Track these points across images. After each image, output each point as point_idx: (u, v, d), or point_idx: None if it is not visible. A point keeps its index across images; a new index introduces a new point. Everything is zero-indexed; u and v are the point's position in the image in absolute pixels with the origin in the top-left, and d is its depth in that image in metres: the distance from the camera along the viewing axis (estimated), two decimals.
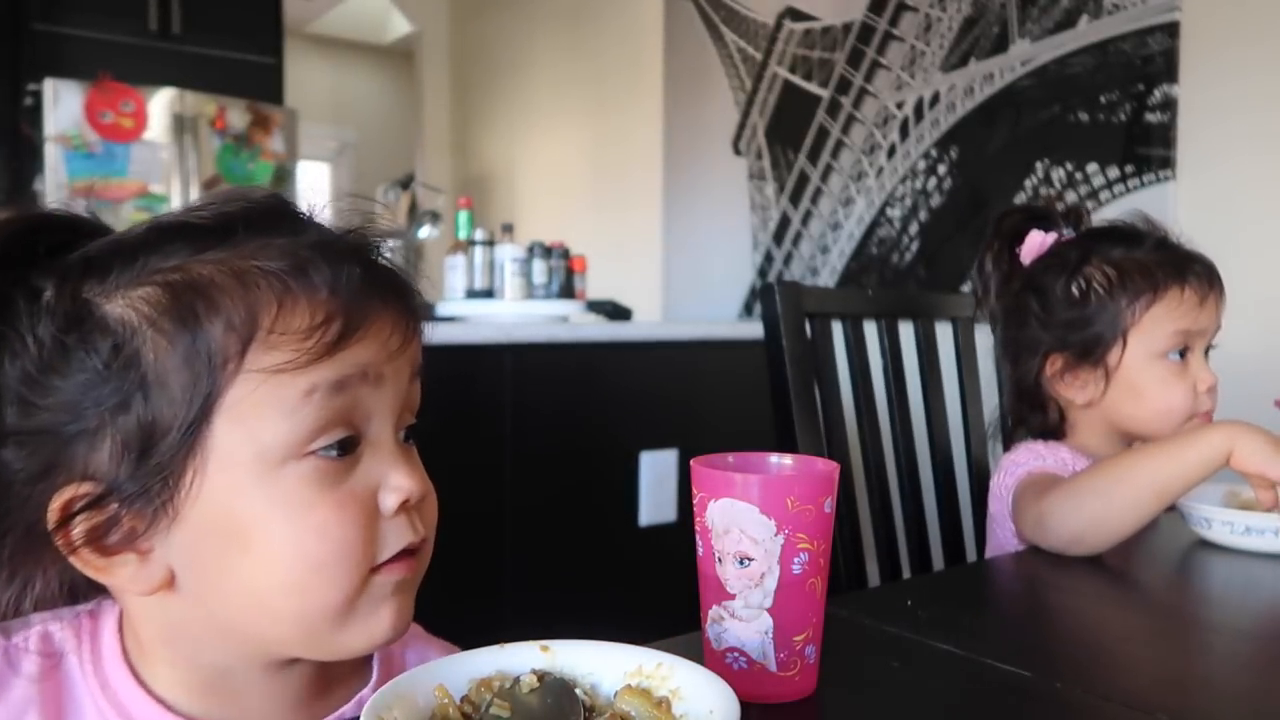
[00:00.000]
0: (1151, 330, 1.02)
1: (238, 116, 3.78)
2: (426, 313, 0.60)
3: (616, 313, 2.74)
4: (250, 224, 0.51)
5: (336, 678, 0.58)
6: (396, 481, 0.51)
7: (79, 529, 0.48)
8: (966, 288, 1.80)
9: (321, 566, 0.48)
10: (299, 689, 0.55)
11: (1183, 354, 1.03)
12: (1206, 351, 1.06)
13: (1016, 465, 1.01)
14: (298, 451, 0.48)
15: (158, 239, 0.50)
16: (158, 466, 0.47)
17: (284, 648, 0.52)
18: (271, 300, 0.48)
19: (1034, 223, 1.11)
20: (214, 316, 0.47)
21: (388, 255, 0.55)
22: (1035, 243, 1.09)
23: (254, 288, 0.48)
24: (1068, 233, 1.10)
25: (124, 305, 0.48)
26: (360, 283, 0.50)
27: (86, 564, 0.49)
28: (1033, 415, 1.10)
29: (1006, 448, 1.12)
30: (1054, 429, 1.09)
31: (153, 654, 0.53)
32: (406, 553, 0.52)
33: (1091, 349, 1.04)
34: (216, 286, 0.48)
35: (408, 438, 0.55)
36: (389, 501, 0.50)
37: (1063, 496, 0.88)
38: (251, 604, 0.49)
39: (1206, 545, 0.92)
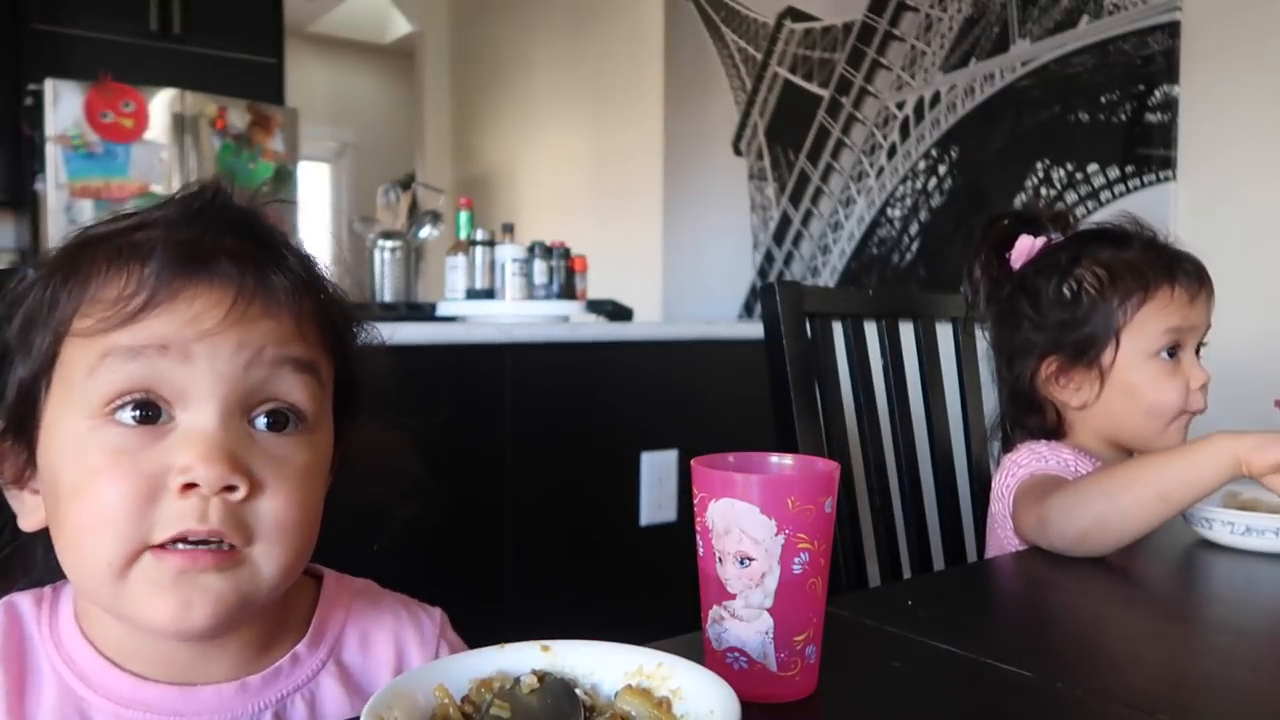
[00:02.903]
0: (1143, 329, 1.03)
1: (238, 116, 3.78)
2: (334, 308, 0.58)
3: (617, 313, 2.74)
4: (161, 204, 0.55)
5: (279, 635, 0.59)
6: (186, 462, 0.49)
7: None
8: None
9: (89, 529, 0.50)
10: (236, 649, 0.56)
11: (1174, 353, 1.04)
12: (1198, 349, 1.06)
13: (1018, 466, 1.01)
14: (96, 411, 0.50)
15: (102, 220, 0.56)
16: (21, 414, 0.54)
17: (98, 605, 0.54)
18: (102, 269, 0.52)
19: (1022, 227, 1.11)
20: (67, 281, 0.52)
21: (279, 240, 0.56)
22: (1024, 247, 1.10)
23: (96, 258, 0.52)
24: (1055, 237, 1.10)
25: (36, 271, 0.54)
26: (178, 256, 0.51)
27: (10, 498, 0.57)
28: (1029, 418, 1.10)
29: (1005, 449, 1.12)
30: (1052, 430, 1.09)
31: (92, 612, 0.56)
32: (204, 545, 0.50)
33: (1085, 350, 1.04)
34: (78, 255, 0.53)
35: (272, 426, 0.53)
36: (173, 481, 0.49)
37: (1068, 496, 0.88)
38: (64, 557, 0.53)
39: (1206, 545, 0.92)
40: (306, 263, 0.57)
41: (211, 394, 0.51)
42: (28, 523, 0.56)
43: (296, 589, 0.59)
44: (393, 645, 0.63)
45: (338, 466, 0.60)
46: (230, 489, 0.50)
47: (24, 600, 0.58)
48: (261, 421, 0.53)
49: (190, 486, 0.49)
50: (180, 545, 0.50)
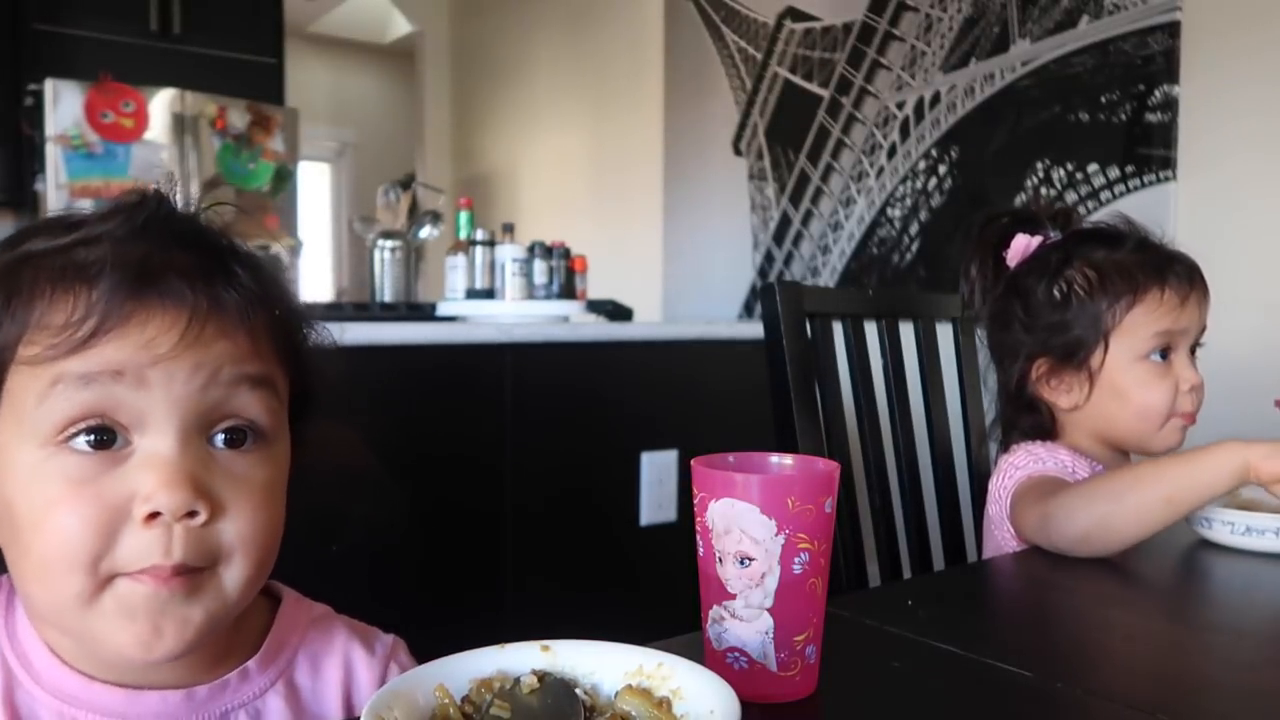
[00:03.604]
0: (1132, 332, 1.02)
1: (238, 117, 3.78)
2: (286, 316, 0.57)
3: (617, 313, 2.74)
4: (103, 216, 0.53)
5: (232, 648, 0.59)
6: (148, 490, 0.48)
7: None
8: None
9: (52, 561, 0.49)
10: (187, 660, 0.55)
11: (1166, 354, 1.03)
12: (1193, 351, 1.06)
13: (1015, 468, 1.01)
14: (49, 439, 0.49)
15: (38, 228, 0.54)
16: None
17: (62, 630, 0.54)
18: (46, 291, 0.50)
19: (1019, 226, 1.11)
20: (10, 303, 0.50)
21: (228, 256, 0.54)
22: (1020, 246, 1.09)
23: (38, 278, 0.50)
24: (1054, 235, 1.10)
25: None
26: (128, 278, 0.49)
27: None
28: (1022, 418, 1.10)
29: (1002, 449, 1.11)
30: (1046, 431, 1.09)
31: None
32: (177, 570, 0.49)
33: (1074, 352, 1.04)
34: (17, 272, 0.51)
35: (231, 443, 0.52)
36: (137, 510, 0.49)
37: (1072, 497, 0.88)
38: (24, 585, 0.52)
39: (1206, 545, 0.92)
40: (257, 272, 0.55)
41: (169, 418, 0.50)
42: None
43: (251, 606, 0.58)
44: (342, 667, 0.62)
45: (294, 473, 0.59)
46: (192, 514, 0.49)
47: None
48: (220, 439, 0.52)
49: (154, 515, 0.49)
50: (144, 576, 0.49)
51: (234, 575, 0.52)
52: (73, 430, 0.49)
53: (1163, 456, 0.90)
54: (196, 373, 0.50)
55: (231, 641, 0.59)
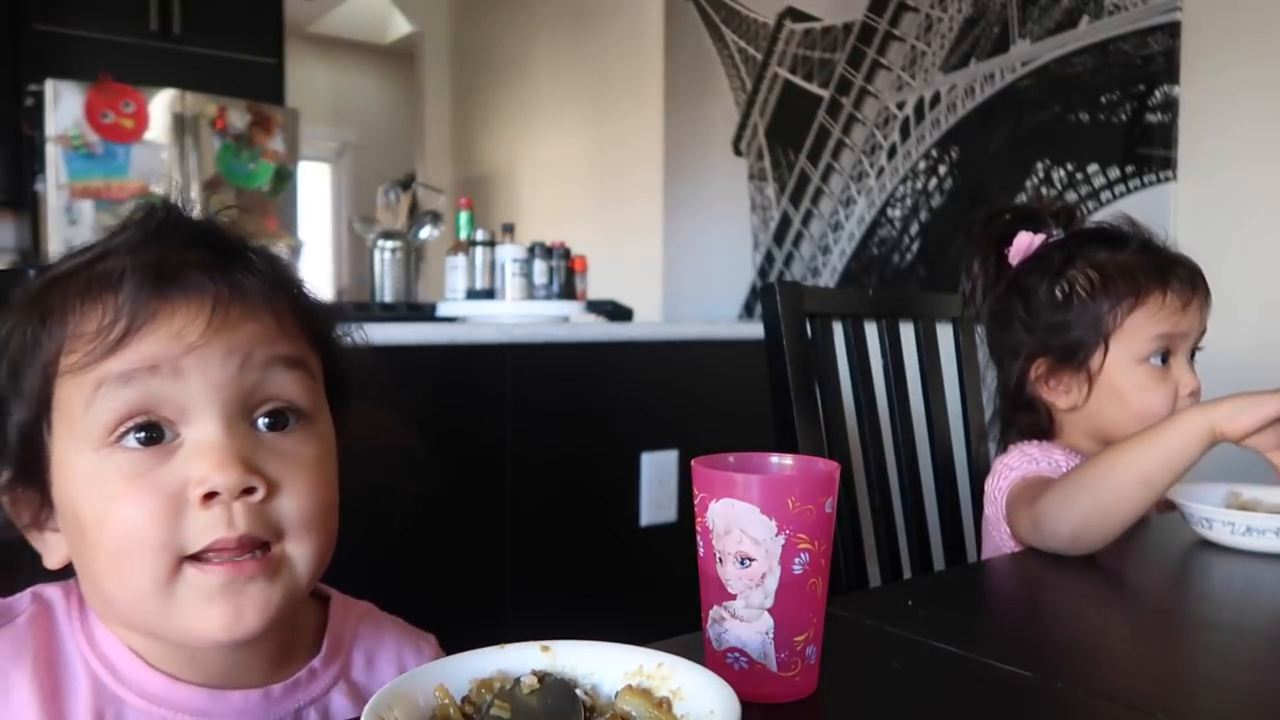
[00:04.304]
0: (1133, 334, 1.02)
1: (238, 117, 3.79)
2: (309, 302, 0.59)
3: (617, 313, 2.74)
4: (115, 231, 0.55)
5: (295, 645, 0.60)
6: (202, 473, 0.50)
7: (12, 509, 0.56)
8: None
9: (123, 553, 0.51)
10: (263, 655, 0.58)
11: (1166, 358, 1.03)
12: (1192, 354, 1.05)
13: (1009, 469, 1.01)
14: (102, 442, 0.51)
15: (58, 261, 0.56)
16: (27, 458, 0.54)
17: (142, 628, 0.54)
18: (76, 304, 0.52)
19: (1022, 223, 1.10)
20: (45, 322, 0.53)
21: (228, 245, 0.56)
22: (1023, 244, 1.09)
23: (67, 294, 0.53)
24: (1057, 233, 1.09)
25: (13, 318, 0.55)
26: (149, 278, 0.51)
27: (32, 540, 0.57)
28: (1020, 417, 1.10)
29: (1000, 449, 1.11)
30: (1043, 430, 1.09)
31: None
32: (240, 548, 0.51)
33: (1073, 353, 1.04)
34: (47, 295, 0.53)
35: (274, 425, 0.54)
36: (193, 494, 0.50)
37: (1054, 498, 0.88)
38: (99, 585, 0.53)
39: (1206, 545, 0.92)
40: (273, 262, 0.57)
41: (210, 404, 0.52)
42: (51, 561, 0.57)
43: (304, 607, 0.61)
44: (396, 666, 0.64)
45: (340, 457, 0.60)
46: (249, 491, 0.51)
47: (53, 591, 0.58)
48: (263, 423, 0.54)
49: (211, 496, 0.50)
50: (216, 559, 0.51)
51: (300, 551, 0.53)
52: (122, 430, 0.51)
53: (1130, 437, 0.88)
54: (230, 357, 0.52)
55: (294, 639, 0.60)
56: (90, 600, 0.56)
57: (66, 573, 0.57)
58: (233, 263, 0.54)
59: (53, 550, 0.56)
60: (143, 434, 0.51)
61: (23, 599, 0.58)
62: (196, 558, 0.51)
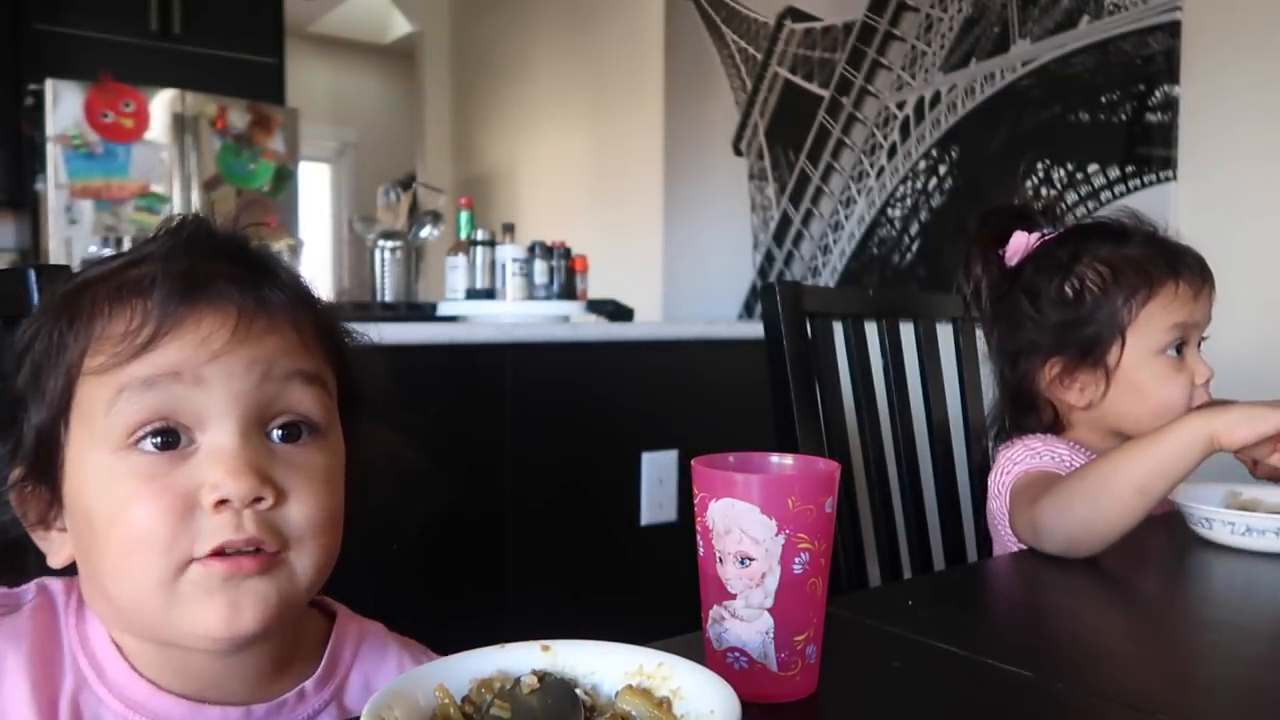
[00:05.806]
0: (1149, 326, 1.02)
1: (238, 116, 3.79)
2: (329, 319, 0.60)
3: (617, 313, 2.74)
4: (147, 241, 0.57)
5: (290, 662, 0.60)
6: (215, 480, 0.51)
7: (20, 507, 0.57)
8: None
9: (132, 552, 0.52)
10: (251, 669, 0.58)
11: (1180, 349, 1.03)
12: (1199, 345, 1.06)
13: (1013, 463, 1.01)
14: (120, 444, 0.52)
15: (89, 265, 0.58)
16: (42, 457, 0.55)
17: (139, 630, 0.55)
18: (105, 308, 0.53)
19: (1017, 222, 1.10)
20: (72, 324, 0.54)
21: (253, 254, 0.58)
22: (1020, 243, 1.08)
23: (96, 297, 0.54)
24: (1049, 231, 1.09)
25: (35, 321, 0.56)
26: (178, 286, 0.52)
27: (37, 539, 0.58)
28: (1027, 419, 1.09)
29: (1004, 444, 1.11)
30: (1048, 428, 1.09)
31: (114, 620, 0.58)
32: (244, 551, 0.52)
33: (1090, 349, 1.03)
34: (77, 298, 0.55)
35: (287, 437, 0.55)
36: (205, 499, 0.51)
37: (1051, 504, 0.88)
38: (103, 585, 0.54)
39: (1207, 545, 0.92)
40: (298, 279, 0.59)
41: (229, 413, 0.53)
42: (56, 560, 0.58)
43: (307, 620, 0.61)
44: None
45: (347, 472, 0.61)
46: (259, 500, 0.52)
47: (56, 585, 0.59)
48: (277, 434, 0.55)
49: (222, 503, 0.51)
50: (221, 556, 0.52)
51: (303, 560, 0.54)
52: (140, 433, 0.52)
53: (1129, 444, 0.88)
54: (252, 368, 0.53)
55: (290, 655, 0.60)
56: (90, 601, 0.57)
57: (69, 572, 0.58)
58: (260, 277, 0.56)
59: (58, 549, 0.57)
60: (160, 439, 0.52)
61: (29, 589, 0.59)
62: (200, 557, 0.51)
